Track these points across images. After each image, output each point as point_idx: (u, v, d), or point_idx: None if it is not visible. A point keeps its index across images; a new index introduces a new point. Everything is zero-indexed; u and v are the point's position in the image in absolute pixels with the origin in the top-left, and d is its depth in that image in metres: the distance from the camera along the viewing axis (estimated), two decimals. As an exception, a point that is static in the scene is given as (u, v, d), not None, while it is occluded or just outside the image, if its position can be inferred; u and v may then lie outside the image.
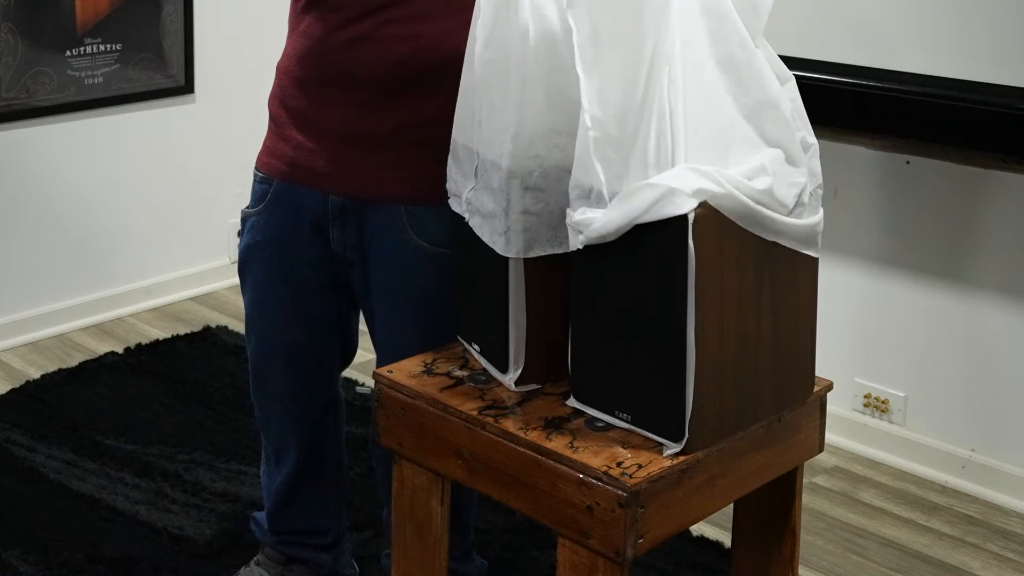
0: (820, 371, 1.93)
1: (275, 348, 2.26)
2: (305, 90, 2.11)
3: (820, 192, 1.73)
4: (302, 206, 2.15)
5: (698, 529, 2.70)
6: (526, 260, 1.81)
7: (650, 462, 1.67)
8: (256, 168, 2.22)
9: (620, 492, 1.63)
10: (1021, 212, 2.84)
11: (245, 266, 2.26)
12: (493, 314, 1.87)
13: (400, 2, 1.98)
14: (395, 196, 2.07)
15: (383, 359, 2.17)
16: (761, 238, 1.71)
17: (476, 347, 1.96)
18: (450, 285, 2.06)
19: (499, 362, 1.88)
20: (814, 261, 1.83)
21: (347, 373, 3.45)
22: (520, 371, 1.86)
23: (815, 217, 1.72)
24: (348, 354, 2.34)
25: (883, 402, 3.12)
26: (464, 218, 1.90)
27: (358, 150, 2.01)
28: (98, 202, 3.88)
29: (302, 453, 2.33)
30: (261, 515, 2.46)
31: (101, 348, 3.71)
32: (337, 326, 2.26)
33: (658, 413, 1.69)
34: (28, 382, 3.46)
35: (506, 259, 1.82)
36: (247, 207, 2.24)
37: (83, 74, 3.76)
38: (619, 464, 1.66)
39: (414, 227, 2.07)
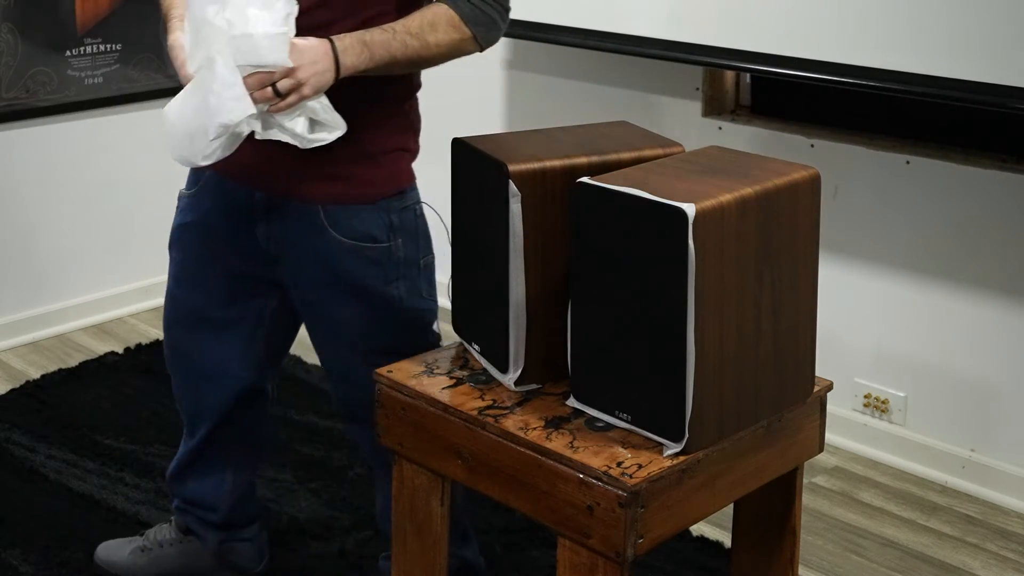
0: (820, 371, 1.93)
1: (194, 325, 2.30)
2: None
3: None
4: (231, 198, 2.18)
5: (698, 529, 2.70)
6: (526, 260, 1.81)
7: (650, 462, 1.67)
8: None
9: (620, 492, 1.63)
10: (1021, 212, 2.84)
11: (174, 244, 2.30)
12: (493, 314, 1.87)
13: (316, 9, 1.99)
14: (311, 196, 2.11)
15: (323, 358, 2.25)
16: (761, 238, 1.71)
17: (476, 347, 1.96)
18: (383, 279, 2.11)
19: (499, 362, 1.88)
20: (814, 261, 1.83)
21: (347, 373, 3.45)
22: (520, 371, 1.86)
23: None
24: (274, 349, 2.36)
25: (883, 402, 3.12)
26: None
27: (280, 149, 2.03)
28: (98, 202, 3.88)
29: (211, 431, 2.38)
30: None
31: (101, 348, 3.71)
32: (259, 317, 2.29)
33: (658, 413, 1.69)
34: (28, 382, 3.45)
35: (506, 259, 1.82)
36: (183, 189, 2.31)
37: (83, 74, 3.76)
38: (619, 464, 1.66)
39: (332, 225, 2.11)
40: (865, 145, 3.06)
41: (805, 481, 2.29)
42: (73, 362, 3.59)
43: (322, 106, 1.91)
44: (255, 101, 1.85)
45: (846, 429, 3.15)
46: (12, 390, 3.41)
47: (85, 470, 2.97)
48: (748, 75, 3.32)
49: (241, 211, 2.17)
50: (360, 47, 1.93)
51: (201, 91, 1.88)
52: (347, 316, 2.15)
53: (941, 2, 2.65)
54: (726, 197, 1.66)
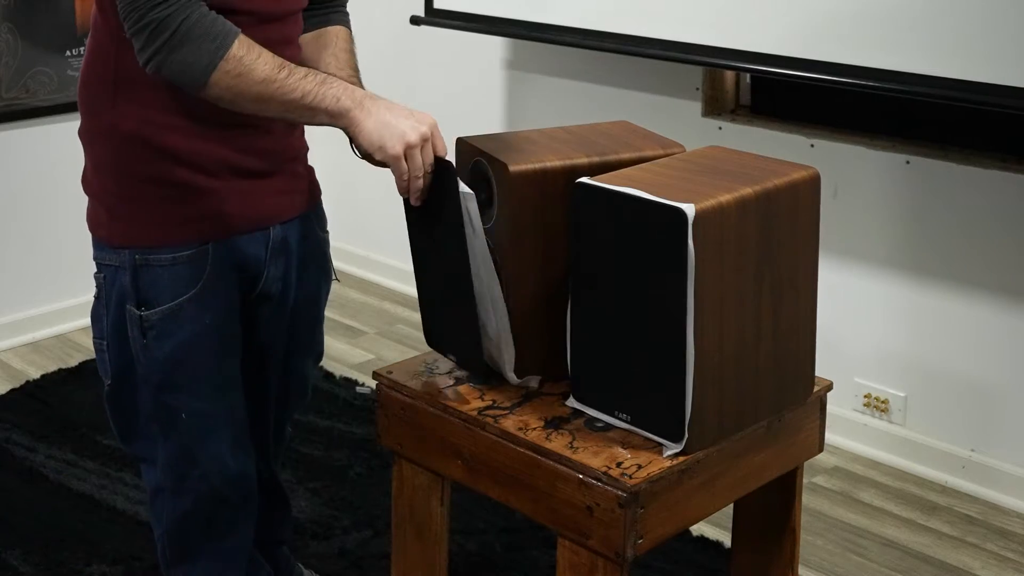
0: (820, 371, 1.93)
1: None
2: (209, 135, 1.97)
3: None
4: (245, 257, 1.98)
5: (698, 529, 2.70)
6: (526, 260, 1.81)
7: (650, 462, 1.67)
8: (169, 246, 1.96)
9: (620, 492, 1.63)
10: (1021, 212, 2.84)
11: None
12: (461, 325, 1.85)
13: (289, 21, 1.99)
14: (311, 203, 2.10)
15: (296, 353, 2.14)
16: (761, 238, 1.71)
17: (452, 358, 1.94)
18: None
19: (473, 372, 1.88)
20: (814, 261, 1.83)
21: (347, 373, 3.45)
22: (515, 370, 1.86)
23: None
24: None
25: (883, 402, 3.12)
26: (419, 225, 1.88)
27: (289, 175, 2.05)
28: (98, 202, 3.89)
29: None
30: None
31: (101, 348, 3.71)
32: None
33: (658, 413, 1.69)
34: (28, 382, 3.46)
35: (468, 269, 1.78)
36: (158, 307, 1.94)
37: (83, 74, 3.76)
38: (619, 464, 1.66)
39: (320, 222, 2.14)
40: (865, 145, 3.06)
41: (805, 481, 2.29)
42: (73, 362, 3.59)
43: None
44: None
45: (846, 429, 3.15)
46: (12, 390, 3.41)
47: (85, 470, 2.97)
48: (748, 75, 3.32)
49: (256, 263, 1.99)
50: None
51: None
52: (323, 300, 2.17)
53: (941, 2, 2.65)
54: (726, 197, 1.66)
